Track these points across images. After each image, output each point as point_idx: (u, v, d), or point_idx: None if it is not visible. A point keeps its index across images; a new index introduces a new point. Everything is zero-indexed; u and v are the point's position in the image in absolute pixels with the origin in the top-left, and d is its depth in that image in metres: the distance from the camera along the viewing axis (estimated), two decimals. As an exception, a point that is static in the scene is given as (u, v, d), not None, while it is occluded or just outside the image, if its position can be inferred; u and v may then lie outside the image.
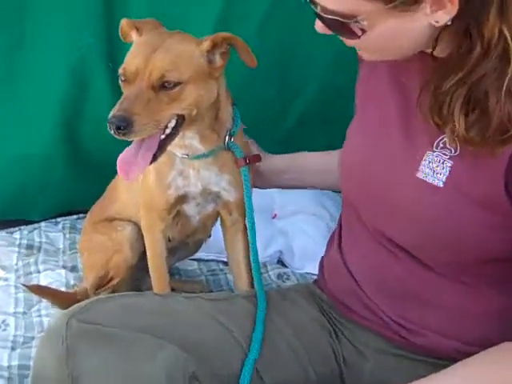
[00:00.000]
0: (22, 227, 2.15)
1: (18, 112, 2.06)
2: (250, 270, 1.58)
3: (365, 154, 1.26)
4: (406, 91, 1.20)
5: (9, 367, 1.54)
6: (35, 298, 1.77)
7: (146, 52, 1.31)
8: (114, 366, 1.09)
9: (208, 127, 1.43)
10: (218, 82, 1.40)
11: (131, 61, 1.32)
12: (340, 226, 1.40)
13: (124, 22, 1.42)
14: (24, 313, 1.73)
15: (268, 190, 1.82)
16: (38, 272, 1.90)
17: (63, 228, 2.18)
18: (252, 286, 1.58)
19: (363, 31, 1.07)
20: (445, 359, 1.16)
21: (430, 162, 1.14)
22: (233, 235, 1.60)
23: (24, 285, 1.79)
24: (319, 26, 1.13)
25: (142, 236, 1.64)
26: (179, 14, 1.96)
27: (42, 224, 2.18)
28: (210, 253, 2.07)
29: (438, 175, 1.12)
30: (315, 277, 2.03)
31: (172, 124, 1.33)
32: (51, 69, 2.03)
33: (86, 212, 2.20)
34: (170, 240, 1.62)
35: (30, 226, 2.16)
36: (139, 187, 1.57)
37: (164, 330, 1.18)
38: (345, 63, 2.04)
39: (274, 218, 2.28)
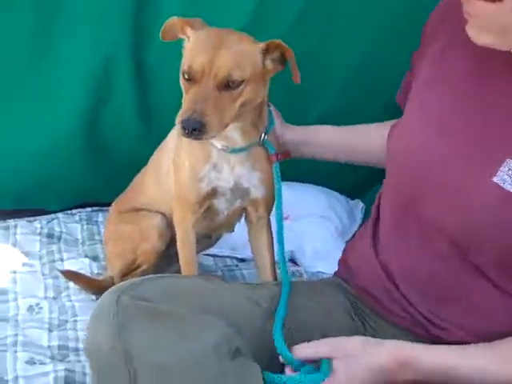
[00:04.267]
0: (40, 217, 2.21)
1: (40, 102, 2.09)
2: (274, 263, 1.67)
3: (435, 146, 1.21)
4: (489, 86, 1.15)
5: (49, 347, 1.61)
6: (63, 284, 1.84)
7: (210, 50, 1.33)
8: (165, 342, 1.13)
9: (250, 123, 1.48)
10: (267, 84, 1.45)
11: (196, 59, 1.34)
12: (375, 218, 1.40)
13: (175, 20, 1.43)
14: (54, 298, 1.80)
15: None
16: (62, 260, 1.97)
17: (80, 220, 2.25)
18: (275, 279, 1.66)
19: None
20: None
21: (509, 170, 1.11)
22: (258, 230, 1.67)
23: (59, 270, 1.86)
24: None
25: (170, 225, 1.71)
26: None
27: (59, 215, 2.24)
28: (224, 249, 2.15)
29: None
30: (328, 275, 2.14)
31: None
32: (78, 61, 2.06)
33: (100, 205, 2.29)
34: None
35: (48, 217, 2.22)
36: (171, 181, 1.63)
37: (211, 310, 1.23)
38: (365, 77, 2.17)
39: (286, 219, 2.37)
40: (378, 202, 1.45)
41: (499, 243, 1.15)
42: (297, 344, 1.26)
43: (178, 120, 1.33)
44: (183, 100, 1.38)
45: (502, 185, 1.12)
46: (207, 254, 2.11)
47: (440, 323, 1.27)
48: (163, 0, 2.01)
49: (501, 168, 1.12)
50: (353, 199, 2.44)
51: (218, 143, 1.50)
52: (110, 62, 2.08)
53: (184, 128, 1.31)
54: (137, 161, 1.87)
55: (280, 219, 1.53)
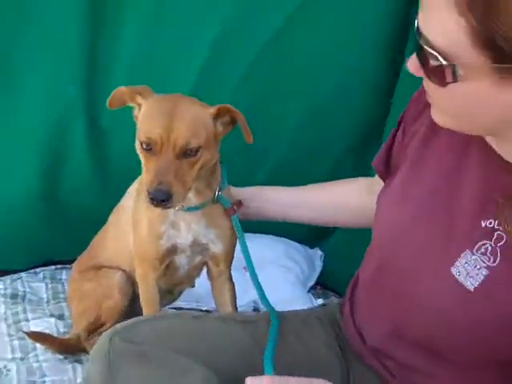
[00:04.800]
0: (3, 278, 2.23)
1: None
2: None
3: (404, 222, 1.25)
4: (461, 183, 1.19)
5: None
6: (30, 344, 1.87)
7: (165, 120, 1.40)
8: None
9: (204, 183, 1.55)
10: (218, 145, 1.52)
11: (153, 130, 1.41)
12: (356, 279, 1.47)
13: (124, 89, 1.48)
14: (21, 359, 1.83)
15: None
16: (27, 320, 1.99)
17: (44, 278, 2.28)
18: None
19: (453, 81, 1.02)
20: None
21: (466, 263, 1.14)
22: (220, 285, 1.73)
23: (24, 332, 1.89)
24: (411, 63, 1.09)
25: (130, 281, 1.77)
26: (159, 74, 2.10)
27: (23, 274, 2.26)
28: (190, 301, 2.20)
29: (471, 279, 1.13)
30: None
31: None
32: (33, 117, 2.10)
33: (63, 263, 2.31)
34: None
35: (12, 276, 2.24)
36: (131, 238, 1.69)
37: (196, 352, 1.30)
38: (316, 125, 2.25)
39: (247, 270, 2.42)
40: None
41: (455, 334, 1.18)
42: None
43: (146, 191, 1.41)
44: (144, 169, 1.45)
45: (457, 277, 1.16)
46: (174, 308, 2.15)
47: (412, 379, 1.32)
48: (114, 64, 2.10)
49: (459, 259, 1.16)
50: (312, 248, 2.51)
51: None
52: (63, 123, 2.13)
53: (152, 199, 1.38)
54: (96, 217, 1.91)
55: (251, 267, 1.60)
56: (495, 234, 1.13)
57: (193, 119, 1.44)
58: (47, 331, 1.93)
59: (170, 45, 2.14)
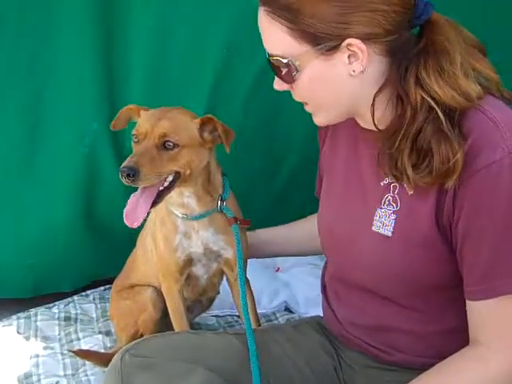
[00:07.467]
0: (57, 302, 2.44)
1: (38, 195, 2.35)
2: (255, 313, 1.89)
3: (331, 218, 1.53)
4: (359, 163, 1.47)
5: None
6: (80, 362, 2.06)
7: (153, 119, 1.63)
8: None
9: (201, 189, 1.72)
10: (209, 152, 1.70)
11: (142, 125, 1.63)
12: (323, 278, 1.68)
13: (132, 106, 1.73)
14: (73, 375, 2.02)
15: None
16: (78, 339, 2.20)
17: (93, 299, 2.49)
18: (259, 325, 1.88)
19: (297, 72, 1.31)
20: (417, 369, 1.40)
21: (379, 217, 1.40)
22: (237, 289, 1.84)
23: (70, 351, 2.09)
24: (275, 82, 1.38)
25: (161, 295, 1.93)
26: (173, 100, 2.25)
27: (75, 297, 2.48)
28: (224, 309, 2.37)
29: (387, 227, 1.38)
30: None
31: (170, 179, 1.63)
32: (65, 153, 2.33)
33: (111, 282, 2.44)
34: (185, 299, 1.90)
35: (65, 301, 2.46)
36: (154, 257, 1.87)
37: (195, 358, 1.49)
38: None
39: (277, 271, 2.58)
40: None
41: (394, 275, 1.40)
42: None
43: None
44: None
45: (378, 231, 1.40)
46: (211, 315, 2.35)
47: (384, 349, 1.50)
48: (129, 97, 2.29)
49: (374, 217, 1.41)
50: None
51: (179, 211, 1.74)
52: (92, 154, 2.35)
53: (121, 175, 1.55)
54: (130, 237, 2.06)
55: (242, 279, 1.71)
56: (391, 186, 1.39)
57: (177, 121, 1.64)
58: (96, 347, 2.13)
59: (180, 70, 2.34)
